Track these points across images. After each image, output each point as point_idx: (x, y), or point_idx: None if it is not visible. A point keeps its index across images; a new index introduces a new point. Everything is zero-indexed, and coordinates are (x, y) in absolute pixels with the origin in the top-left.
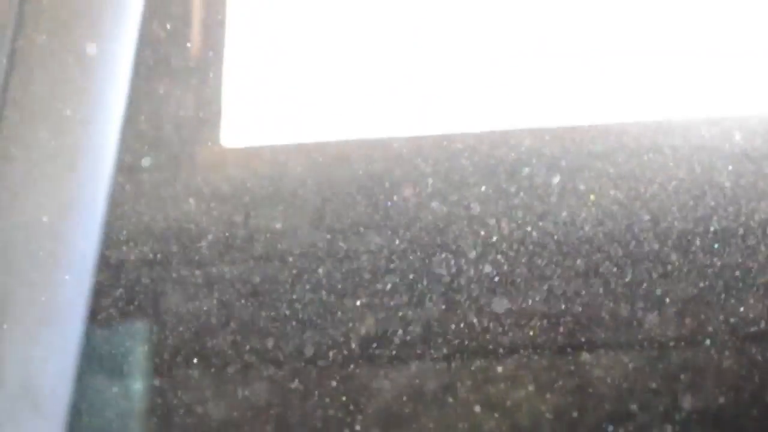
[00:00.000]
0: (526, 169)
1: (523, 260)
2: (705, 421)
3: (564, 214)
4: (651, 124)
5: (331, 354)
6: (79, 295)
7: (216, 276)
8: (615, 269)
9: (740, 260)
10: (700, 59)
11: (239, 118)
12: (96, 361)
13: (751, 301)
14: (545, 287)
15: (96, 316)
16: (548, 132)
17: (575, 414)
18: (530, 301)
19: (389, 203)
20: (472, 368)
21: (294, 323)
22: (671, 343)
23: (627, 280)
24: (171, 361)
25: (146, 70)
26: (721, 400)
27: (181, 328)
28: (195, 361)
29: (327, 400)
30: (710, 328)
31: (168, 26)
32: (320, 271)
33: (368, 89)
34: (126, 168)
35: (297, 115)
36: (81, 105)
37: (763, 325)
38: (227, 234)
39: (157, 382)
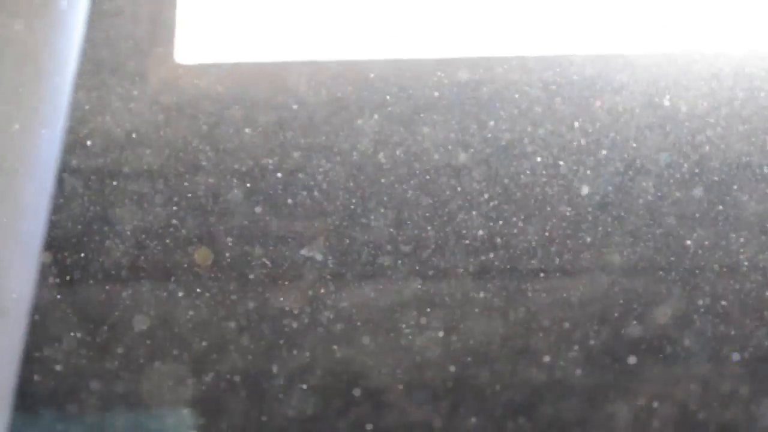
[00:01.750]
0: (489, 97)
1: (479, 187)
2: (648, 348)
3: (521, 143)
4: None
5: (285, 270)
6: (40, 208)
7: (170, 188)
8: (570, 200)
9: (688, 194)
10: None
11: (194, 35)
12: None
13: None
14: (499, 214)
15: (55, 226)
16: (508, 60)
17: (523, 336)
18: (484, 227)
19: (343, 125)
20: (424, 290)
21: (241, 239)
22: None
23: (579, 210)
24: (121, 272)
25: None
26: (665, 328)
27: (134, 238)
28: (144, 270)
29: (284, 315)
30: (658, 258)
31: None
32: (272, 188)
33: (327, 10)
34: (83, 85)
35: (252, 34)
36: (42, 25)
37: (708, 258)
38: (181, 148)
39: (108, 288)
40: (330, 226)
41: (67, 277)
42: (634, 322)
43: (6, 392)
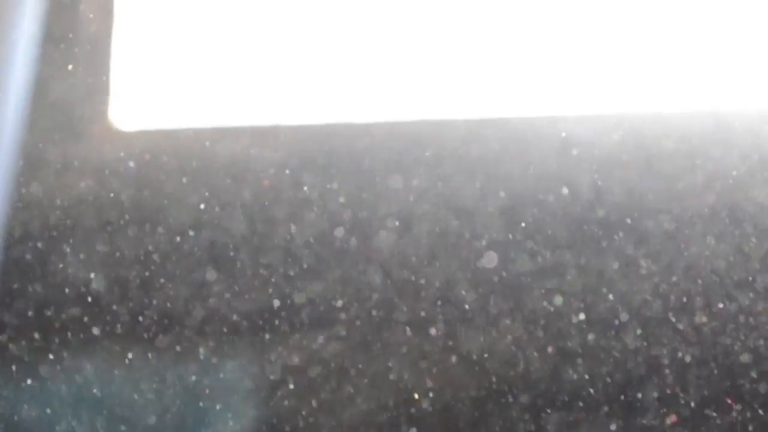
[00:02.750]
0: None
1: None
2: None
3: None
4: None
5: (213, 328)
6: None
7: (107, 255)
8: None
9: None
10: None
11: (130, 101)
12: None
13: None
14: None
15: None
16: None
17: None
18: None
19: (283, 190)
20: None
21: (179, 301)
22: None
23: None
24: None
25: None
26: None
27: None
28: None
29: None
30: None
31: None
32: (211, 253)
33: (264, 75)
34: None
35: (190, 99)
36: None
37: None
38: (119, 215)
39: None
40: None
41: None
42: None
43: None
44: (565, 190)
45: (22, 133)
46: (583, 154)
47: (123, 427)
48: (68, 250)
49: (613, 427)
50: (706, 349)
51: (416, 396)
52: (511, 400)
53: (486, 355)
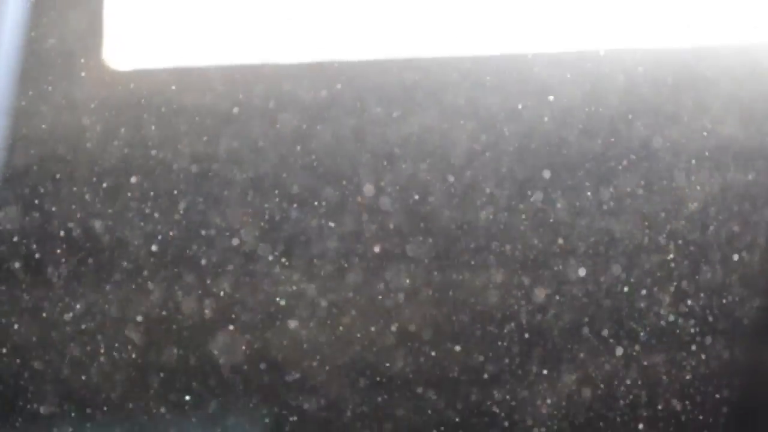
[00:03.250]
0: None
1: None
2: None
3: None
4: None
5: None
6: None
7: (97, 194)
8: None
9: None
10: None
11: (124, 39)
12: None
13: None
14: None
15: None
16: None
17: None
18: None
19: (274, 130)
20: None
21: (169, 241)
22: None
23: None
24: (50, 274)
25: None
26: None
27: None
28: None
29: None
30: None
31: None
32: (202, 194)
33: (261, 12)
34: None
35: (183, 37)
36: None
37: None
38: (113, 152)
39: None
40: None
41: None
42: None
43: None
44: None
45: (15, 74)
46: (570, 91)
47: None
48: (64, 191)
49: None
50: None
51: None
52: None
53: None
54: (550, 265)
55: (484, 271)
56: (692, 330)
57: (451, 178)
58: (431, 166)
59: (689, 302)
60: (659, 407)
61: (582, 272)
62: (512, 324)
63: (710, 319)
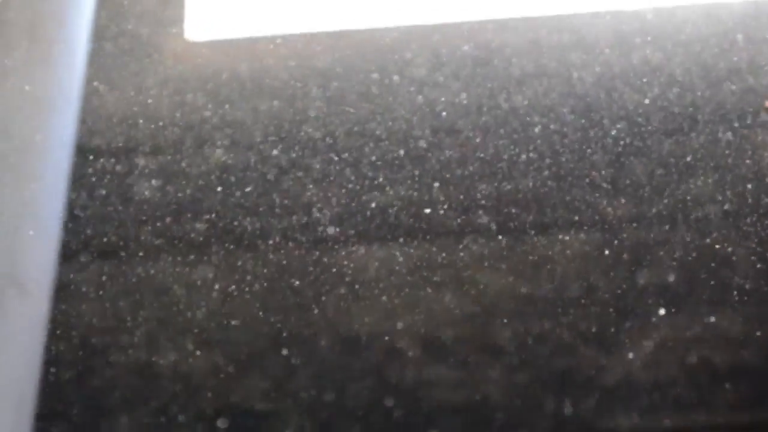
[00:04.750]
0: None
1: (487, 145)
2: (658, 295)
3: (528, 101)
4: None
5: (301, 235)
6: (58, 185)
7: (181, 165)
8: (571, 154)
9: (692, 145)
10: None
11: (203, 11)
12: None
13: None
14: (506, 173)
15: (73, 205)
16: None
17: (533, 292)
18: (494, 185)
19: (353, 94)
20: (435, 249)
21: (262, 208)
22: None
23: (582, 164)
24: (138, 247)
25: None
26: (673, 275)
27: (151, 212)
28: (164, 244)
29: (298, 279)
30: (661, 209)
31: None
32: (285, 162)
33: None
34: (95, 63)
35: (260, 8)
36: (52, 5)
37: (709, 207)
38: (195, 124)
39: (126, 264)
40: (347, 194)
41: (87, 255)
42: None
43: (31, 374)
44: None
45: (95, 45)
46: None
47: None
48: (142, 161)
49: None
50: None
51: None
52: None
53: None
54: None
55: None
56: None
57: None
58: None
59: None
60: None
61: None
62: None
63: None
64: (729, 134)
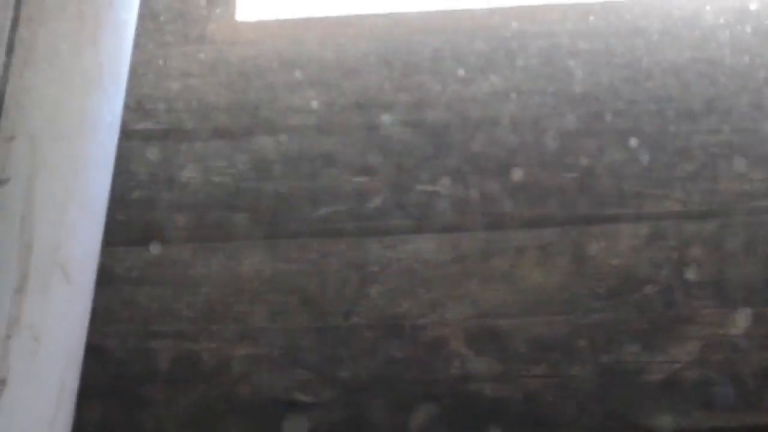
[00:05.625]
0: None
1: (528, 135)
2: (709, 292)
3: (567, 88)
4: None
5: (336, 222)
6: (104, 169)
7: (230, 147)
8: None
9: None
10: None
11: None
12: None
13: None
14: (551, 160)
15: (119, 190)
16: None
17: (578, 286)
18: (536, 174)
19: (403, 77)
20: (478, 239)
21: (299, 194)
22: (675, 216)
23: (631, 155)
24: (186, 233)
25: None
26: (726, 272)
27: (191, 197)
28: (208, 231)
29: (332, 268)
30: (715, 201)
31: None
32: (330, 144)
33: None
34: (141, 45)
35: None
36: None
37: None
38: (242, 107)
39: (158, 250)
40: (387, 180)
41: (133, 239)
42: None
43: (73, 361)
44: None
45: (142, 26)
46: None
47: None
48: (189, 146)
49: None
50: None
51: None
52: None
53: None
54: None
55: None
56: None
57: None
58: None
59: None
60: None
61: None
62: None
63: None
64: None
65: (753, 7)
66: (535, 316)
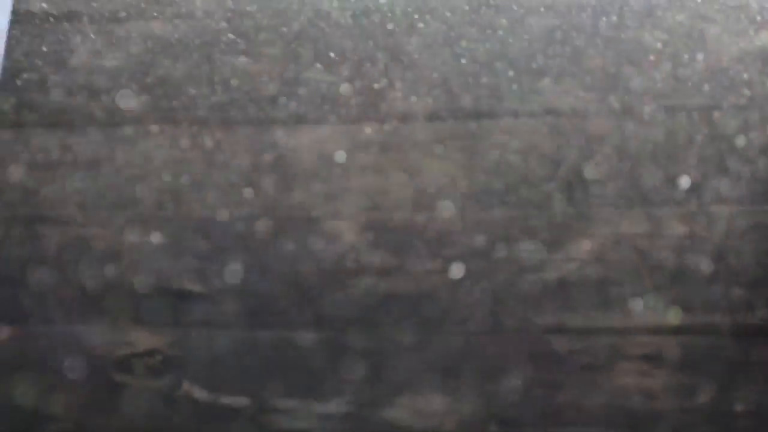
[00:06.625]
0: None
1: (435, 32)
2: (604, 187)
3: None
4: None
5: (231, 110)
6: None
7: (120, 34)
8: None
9: (640, 34)
10: None
11: None
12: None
13: (659, 74)
14: (456, 59)
15: (9, 72)
16: None
17: (480, 178)
18: (439, 71)
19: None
20: (384, 132)
21: (209, 81)
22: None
23: (528, 53)
24: (76, 115)
25: None
26: (619, 168)
27: (89, 82)
28: (102, 115)
29: (237, 157)
30: (608, 99)
31: None
32: (227, 30)
33: None
34: None
35: None
36: None
37: (662, 95)
38: None
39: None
40: (292, 70)
41: (23, 122)
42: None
43: None
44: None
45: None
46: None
47: None
48: (81, 28)
49: None
50: None
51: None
52: None
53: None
54: None
55: None
56: None
57: None
58: None
59: None
60: None
61: None
62: None
63: None
64: None
65: None
66: (431, 212)
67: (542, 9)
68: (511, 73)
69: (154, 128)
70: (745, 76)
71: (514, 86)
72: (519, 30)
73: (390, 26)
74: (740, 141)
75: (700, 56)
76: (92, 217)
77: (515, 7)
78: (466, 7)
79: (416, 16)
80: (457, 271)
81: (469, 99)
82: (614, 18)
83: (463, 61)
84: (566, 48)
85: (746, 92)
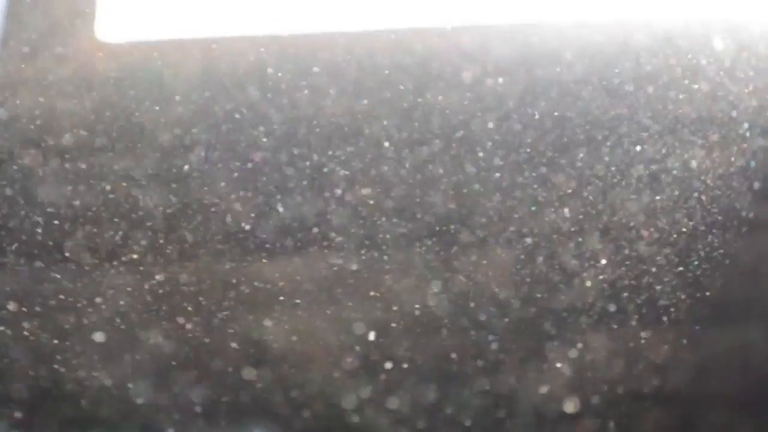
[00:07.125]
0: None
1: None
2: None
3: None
4: None
5: (220, 245)
6: None
7: (87, 168)
8: None
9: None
10: None
11: (116, 11)
12: None
13: None
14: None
15: None
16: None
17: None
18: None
19: (270, 98)
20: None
21: (165, 216)
22: None
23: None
24: (37, 253)
25: None
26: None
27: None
28: (70, 250)
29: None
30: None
31: None
32: (196, 160)
33: None
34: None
35: (176, 10)
36: None
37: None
38: (104, 127)
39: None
40: (258, 202)
41: None
42: None
43: None
44: None
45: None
46: None
47: None
48: (50, 167)
49: None
50: None
51: None
52: None
53: None
54: None
55: None
56: None
57: None
58: None
59: None
60: None
61: None
62: None
63: None
64: None
65: None
66: None
67: None
68: None
69: (123, 265)
70: None
71: None
72: None
73: None
74: None
75: None
76: None
77: None
78: None
79: None
80: None
81: None
82: None
83: None
84: None
85: None
